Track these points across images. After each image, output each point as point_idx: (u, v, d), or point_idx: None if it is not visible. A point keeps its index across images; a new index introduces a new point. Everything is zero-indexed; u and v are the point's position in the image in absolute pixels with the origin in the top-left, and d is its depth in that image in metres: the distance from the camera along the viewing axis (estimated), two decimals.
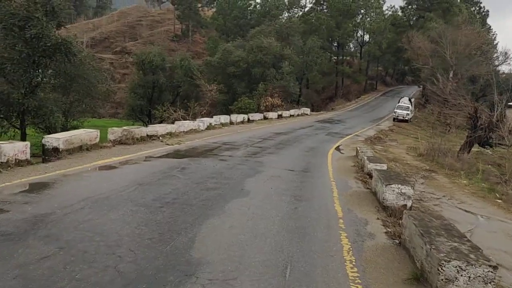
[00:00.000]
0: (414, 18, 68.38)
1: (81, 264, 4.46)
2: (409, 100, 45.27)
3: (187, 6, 78.06)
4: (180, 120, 24.27)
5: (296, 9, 74.43)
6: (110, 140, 13.72)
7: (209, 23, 76.21)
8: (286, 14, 71.24)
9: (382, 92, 72.56)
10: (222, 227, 6.11)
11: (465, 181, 16.61)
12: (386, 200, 7.83)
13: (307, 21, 64.97)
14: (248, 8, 70.06)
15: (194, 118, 25.85)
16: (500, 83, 40.28)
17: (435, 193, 13.19)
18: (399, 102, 44.62)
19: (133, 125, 29.28)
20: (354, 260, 5.27)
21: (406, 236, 5.63)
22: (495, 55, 53.22)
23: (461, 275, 4.13)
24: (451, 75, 43.06)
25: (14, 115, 25.31)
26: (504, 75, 51.85)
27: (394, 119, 41.68)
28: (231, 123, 26.80)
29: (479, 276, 4.11)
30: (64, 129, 25.88)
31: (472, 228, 8.89)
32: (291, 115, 38.10)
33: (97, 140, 12.63)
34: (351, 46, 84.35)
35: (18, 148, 9.30)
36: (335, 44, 74.31)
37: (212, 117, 25.36)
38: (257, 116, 32.24)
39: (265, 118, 33.27)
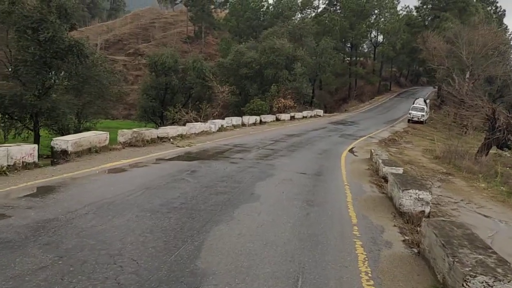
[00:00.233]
0: (430, 18, 67.38)
1: (79, 275, 4.22)
2: (424, 101, 44.55)
3: (200, 8, 78.12)
4: (192, 122, 24.11)
5: (309, 10, 73.92)
6: (120, 142, 13.57)
7: (222, 24, 76.15)
8: (299, 15, 70.81)
9: (396, 93, 71.71)
10: (230, 235, 5.84)
11: (483, 185, 16.13)
12: (403, 206, 7.47)
13: (320, 22, 64.48)
14: (261, 10, 69.82)
15: (206, 119, 25.68)
16: None
17: (452, 197, 12.76)
18: (414, 103, 43.93)
19: (145, 126, 29.25)
20: (370, 272, 4.94)
21: (426, 245, 5.28)
22: None
23: None
24: (467, 75, 42.25)
25: (28, 117, 25.48)
26: None
27: (409, 120, 41.04)
28: (243, 124, 26.57)
29: None
30: (77, 130, 25.98)
31: (493, 234, 8.50)
32: (303, 117, 37.75)
33: (107, 142, 12.48)
34: (365, 47, 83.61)
35: (25, 151, 9.17)
36: (348, 45, 73.73)
37: (224, 119, 25.15)
38: (269, 117, 31.95)
39: (277, 119, 32.97)
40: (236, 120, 25.88)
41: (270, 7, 69.89)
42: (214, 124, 21.63)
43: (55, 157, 10.47)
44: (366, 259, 5.34)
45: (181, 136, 17.14)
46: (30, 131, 26.08)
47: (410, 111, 42.00)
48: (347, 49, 74.09)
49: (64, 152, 10.52)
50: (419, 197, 7.40)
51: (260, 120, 29.93)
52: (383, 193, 9.71)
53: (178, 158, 12.55)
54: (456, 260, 4.13)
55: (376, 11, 69.71)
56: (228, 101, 38.88)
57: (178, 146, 14.84)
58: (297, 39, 51.36)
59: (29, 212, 6.12)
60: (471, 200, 12.89)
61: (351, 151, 18.39)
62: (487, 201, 13.03)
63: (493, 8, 78.65)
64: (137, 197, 7.41)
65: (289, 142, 19.19)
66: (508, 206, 12.21)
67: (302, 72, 41.38)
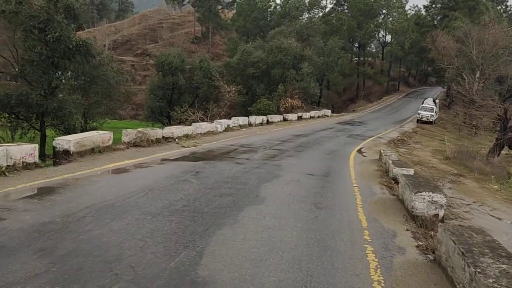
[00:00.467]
0: (439, 17, 66.67)
1: (72, 284, 3.94)
2: (434, 101, 43.96)
3: (207, 8, 78.02)
4: (198, 121, 23.89)
5: (316, 10, 73.49)
6: (124, 142, 13.34)
7: (229, 24, 76.09)
8: (307, 15, 70.39)
9: (404, 93, 71.07)
10: (234, 239, 5.54)
11: (496, 186, 15.75)
12: (416, 209, 7.13)
13: (328, 22, 64.06)
14: (268, 10, 69.61)
15: (212, 119, 25.45)
16: None
17: (464, 199, 12.42)
18: (423, 103, 43.38)
19: (152, 126, 29.08)
20: (383, 281, 4.62)
21: (442, 253, 4.95)
22: None
23: None
24: (477, 75, 41.59)
25: (34, 117, 25.43)
26: None
27: (417, 120, 40.52)
28: (250, 124, 26.28)
29: None
30: (84, 130, 25.91)
31: (508, 238, 8.15)
32: (311, 117, 37.38)
33: (110, 142, 12.25)
34: (373, 46, 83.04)
35: (25, 151, 8.94)
36: (356, 45, 73.25)
37: (230, 119, 24.88)
38: (276, 117, 31.64)
39: (284, 119, 32.65)
40: (242, 120, 25.59)
41: (277, 7, 69.68)
42: (220, 124, 21.35)
43: (57, 157, 10.26)
44: (378, 266, 5.02)
45: (187, 136, 16.88)
46: (36, 131, 26.03)
47: (419, 111, 41.47)
48: (355, 49, 73.60)
49: (66, 152, 10.30)
50: (432, 200, 7.05)
51: (267, 120, 29.62)
52: (393, 195, 9.37)
53: (183, 158, 12.29)
54: (478, 270, 3.81)
55: (384, 11, 69.19)
56: (235, 101, 38.64)
57: (183, 146, 14.58)
58: (305, 38, 51.05)
59: (25, 215, 5.88)
60: (483, 202, 12.53)
61: (359, 151, 18.04)
62: (500, 203, 12.65)
63: (503, 7, 77.68)
64: (138, 199, 7.15)
65: (296, 143, 18.87)
66: None
67: (309, 72, 41.04)
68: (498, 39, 41.51)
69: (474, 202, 12.18)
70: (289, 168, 11.81)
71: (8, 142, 23.15)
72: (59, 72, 25.93)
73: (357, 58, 75.23)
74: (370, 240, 5.95)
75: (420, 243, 6.03)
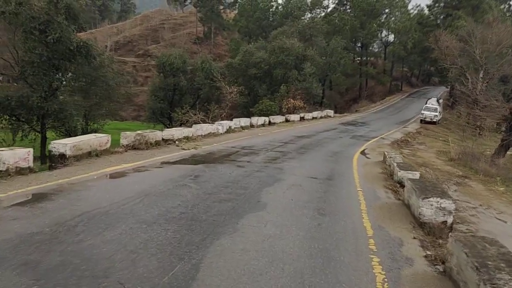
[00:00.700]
0: (442, 17, 66.21)
1: None
2: (437, 101, 43.59)
3: (209, 9, 77.81)
4: (200, 123, 23.63)
5: (318, 10, 73.11)
6: (122, 145, 13.06)
7: (231, 25, 75.85)
8: (309, 15, 70.02)
9: (407, 93, 70.64)
10: (233, 250, 5.25)
11: (502, 188, 15.45)
12: (423, 216, 6.81)
13: (330, 22, 63.71)
14: (270, 10, 69.31)
15: (214, 121, 25.20)
16: None
17: (470, 202, 12.13)
18: (426, 103, 42.99)
19: (154, 127, 28.85)
20: None
21: (453, 265, 4.64)
22: None
23: None
24: (481, 75, 41.17)
25: (35, 119, 25.25)
26: None
27: (421, 121, 40.13)
28: (252, 126, 25.99)
29: None
30: (85, 132, 25.69)
31: None
32: (313, 117, 37.06)
33: (108, 145, 11.97)
34: (375, 46, 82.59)
35: (19, 155, 8.68)
36: (358, 45, 72.90)
37: (232, 120, 24.60)
38: (278, 118, 31.34)
39: (287, 120, 32.35)
40: (244, 121, 25.31)
41: (279, 7, 69.34)
42: (221, 126, 21.06)
43: (53, 161, 9.99)
44: (386, 280, 4.71)
45: (187, 138, 16.60)
46: (37, 133, 25.84)
47: (422, 111, 41.09)
48: (357, 49, 73.26)
49: (62, 156, 10.02)
50: (441, 206, 6.74)
51: (269, 121, 29.33)
52: (399, 199, 9.06)
53: (183, 161, 12.01)
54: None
55: (386, 10, 68.78)
56: (236, 102, 38.39)
57: (184, 149, 14.30)
58: (307, 38, 50.75)
59: (13, 224, 5.60)
60: (490, 205, 12.23)
61: (363, 153, 17.73)
62: (507, 206, 12.36)
63: (507, 6, 77.12)
64: (133, 206, 6.87)
65: (298, 144, 18.57)
66: None
67: (311, 72, 40.75)
68: (502, 38, 41.09)
69: (480, 205, 11.88)
70: (291, 171, 11.52)
71: (9, 145, 23.02)
72: (60, 74, 25.77)
73: (359, 58, 74.84)
74: (376, 250, 5.64)
75: (429, 252, 5.72)
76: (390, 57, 75.48)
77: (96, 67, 27.48)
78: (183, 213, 6.63)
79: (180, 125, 26.79)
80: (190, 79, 41.09)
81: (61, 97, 26.35)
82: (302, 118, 34.74)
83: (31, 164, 8.94)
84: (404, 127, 35.15)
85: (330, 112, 43.02)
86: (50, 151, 10.23)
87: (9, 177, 8.26)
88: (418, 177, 10.20)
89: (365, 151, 18.41)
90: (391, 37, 73.67)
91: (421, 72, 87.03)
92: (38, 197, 7.07)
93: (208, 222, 6.26)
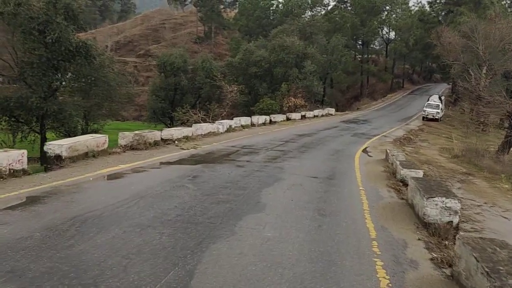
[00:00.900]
0: (443, 13, 65.84)
1: None
2: (439, 98, 43.22)
3: (210, 8, 77.58)
4: (200, 122, 23.42)
5: (319, 8, 72.81)
6: (120, 146, 12.86)
7: (232, 24, 75.66)
8: (309, 13, 69.74)
9: (409, 91, 70.33)
10: (229, 255, 5.02)
11: (507, 185, 15.20)
12: (428, 216, 6.57)
13: (331, 20, 63.46)
14: (271, 8, 69.10)
15: (214, 120, 24.99)
16: None
17: (475, 200, 11.89)
18: (428, 100, 42.67)
19: (155, 127, 28.67)
20: None
21: (462, 269, 4.40)
22: None
23: None
24: (484, 71, 40.83)
25: (34, 120, 25.09)
26: None
27: (423, 118, 39.84)
28: (252, 124, 25.76)
29: None
30: (84, 132, 25.50)
31: None
32: (315, 116, 36.81)
33: (106, 146, 11.76)
34: (376, 44, 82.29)
35: (13, 157, 8.47)
36: (359, 42, 72.57)
37: (233, 119, 24.38)
38: (279, 117, 31.12)
39: (288, 119, 32.13)
40: (245, 120, 25.08)
41: (280, 5, 69.09)
42: (222, 125, 20.84)
43: (49, 163, 9.80)
44: (390, 285, 4.47)
45: (187, 138, 16.38)
46: (36, 134, 25.67)
47: (424, 109, 40.80)
48: (358, 46, 72.94)
49: (58, 158, 9.82)
50: (446, 206, 6.50)
51: (270, 120, 29.10)
52: (402, 198, 8.82)
53: (181, 162, 11.79)
54: None
55: (387, 8, 68.51)
56: (237, 101, 38.18)
57: (183, 149, 14.08)
58: (307, 36, 50.47)
59: (3, 229, 5.39)
60: (495, 203, 12.00)
61: (364, 151, 17.49)
62: None
63: (508, 1, 76.60)
64: (128, 208, 6.65)
65: (299, 143, 18.34)
66: None
67: (312, 70, 40.51)
68: (505, 34, 40.72)
69: (485, 203, 11.64)
70: (292, 170, 11.29)
71: (9, 146, 22.87)
72: (59, 74, 25.61)
73: (360, 56, 74.57)
74: (379, 253, 5.40)
75: (434, 254, 5.48)
76: (392, 54, 75.23)
77: (96, 68, 27.28)
78: (179, 216, 6.42)
79: (182, 125, 26.60)
80: (191, 78, 40.94)
81: (60, 97, 26.20)
82: (303, 117, 34.50)
83: (25, 166, 8.74)
84: (406, 124, 34.88)
85: (332, 110, 42.78)
86: (45, 153, 10.04)
87: (2, 179, 8.05)
88: (421, 175, 9.96)
89: (367, 149, 18.18)
90: (392, 34, 73.44)
91: (422, 69, 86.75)
92: (31, 201, 6.86)
93: (205, 225, 6.04)
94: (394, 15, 68.58)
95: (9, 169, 8.32)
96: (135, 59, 75.30)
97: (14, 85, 27.67)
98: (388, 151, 14.51)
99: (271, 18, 67.98)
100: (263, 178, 9.84)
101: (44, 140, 24.83)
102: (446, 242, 5.96)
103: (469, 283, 4.14)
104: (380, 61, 79.22)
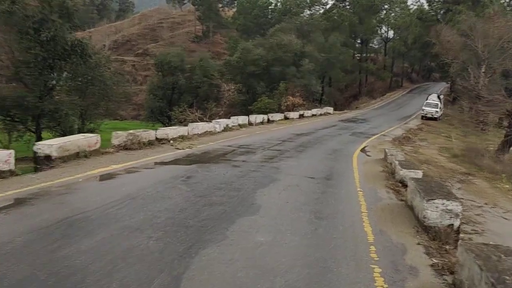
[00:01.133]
0: (442, 12, 65.61)
1: None
2: (438, 97, 42.99)
3: (208, 7, 77.34)
4: (197, 121, 23.18)
5: (317, 7, 72.52)
6: (114, 145, 12.60)
7: (230, 23, 75.42)
8: (308, 12, 69.52)
9: (408, 89, 70.11)
10: (220, 260, 4.79)
11: (507, 186, 15.05)
12: (428, 219, 6.34)
13: (329, 18, 63.16)
14: (269, 7, 68.89)
15: (212, 119, 24.76)
16: None
17: (475, 200, 11.73)
18: (427, 99, 42.45)
19: (153, 126, 28.44)
20: None
21: (464, 278, 4.17)
22: None
23: None
24: (483, 69, 40.65)
25: (30, 119, 24.86)
26: None
27: (422, 117, 39.62)
28: (250, 124, 25.50)
29: None
30: (81, 132, 25.25)
31: None
32: (313, 115, 36.54)
33: (98, 145, 11.49)
34: (375, 42, 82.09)
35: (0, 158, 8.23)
36: (358, 41, 72.33)
37: (230, 118, 24.13)
38: (277, 116, 30.86)
39: (286, 118, 31.86)
40: (242, 119, 24.81)
41: (278, 4, 68.91)
42: (218, 124, 20.59)
43: (38, 163, 9.54)
44: None
45: (182, 137, 16.11)
46: (32, 134, 25.43)
47: (423, 107, 40.57)
48: (357, 45, 72.69)
49: (48, 158, 9.57)
50: (447, 209, 6.27)
51: (268, 119, 28.85)
52: (401, 200, 8.59)
53: (175, 162, 11.54)
54: None
55: (386, 6, 68.29)
56: (235, 100, 37.98)
57: (178, 149, 13.83)
58: (305, 35, 50.24)
59: None
60: (496, 204, 11.84)
61: (363, 150, 17.27)
62: None
63: (507, 0, 76.44)
64: (118, 210, 6.41)
65: (297, 142, 18.10)
66: None
67: (310, 68, 40.31)
68: (504, 32, 40.55)
69: (486, 204, 11.47)
70: (288, 170, 11.06)
71: (5, 145, 22.63)
72: (55, 73, 25.40)
73: (359, 54, 74.31)
74: (377, 259, 5.16)
75: (435, 260, 5.25)
76: (390, 53, 75.01)
77: (92, 67, 27.05)
78: (170, 218, 6.18)
79: (179, 124, 26.36)
80: (188, 77, 40.75)
81: (57, 97, 25.97)
82: (301, 116, 34.24)
83: (12, 166, 8.48)
84: (405, 123, 34.65)
85: (330, 109, 42.50)
86: (35, 153, 9.78)
87: None
88: (421, 176, 9.74)
89: (366, 148, 17.97)
90: (391, 33, 73.28)
91: (421, 67, 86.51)
92: (17, 203, 6.61)
93: (196, 228, 5.81)
94: (392, 14, 68.42)
95: None
96: (133, 58, 75.03)
97: (11, 85, 27.44)
98: (386, 150, 14.29)
99: (269, 17, 67.76)
100: (259, 179, 9.61)
101: (39, 139, 24.61)
102: (447, 247, 5.74)
103: None
104: (379, 60, 78.99)
